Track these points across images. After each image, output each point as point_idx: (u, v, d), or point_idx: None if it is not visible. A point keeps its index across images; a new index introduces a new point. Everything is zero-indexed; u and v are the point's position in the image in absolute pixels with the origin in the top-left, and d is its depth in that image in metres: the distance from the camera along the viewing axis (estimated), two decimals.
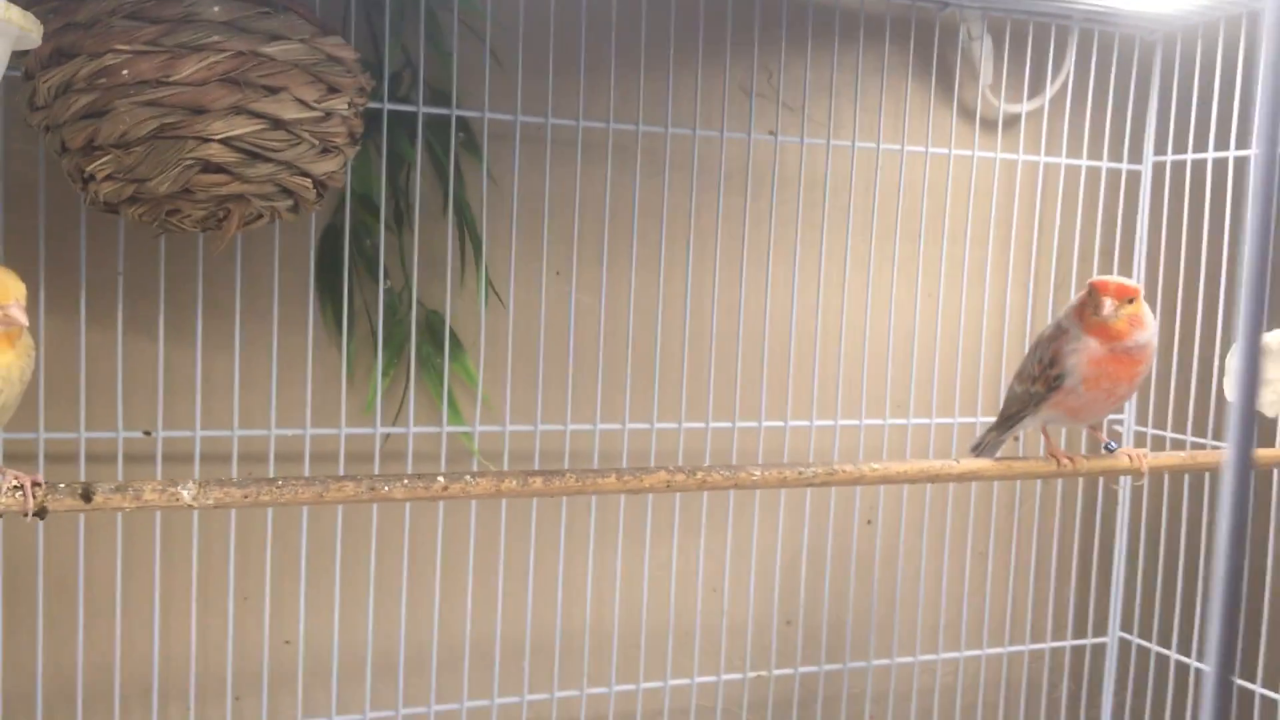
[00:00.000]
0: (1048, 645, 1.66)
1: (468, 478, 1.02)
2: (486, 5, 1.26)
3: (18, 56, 0.90)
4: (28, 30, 0.81)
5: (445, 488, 1.01)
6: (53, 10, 0.96)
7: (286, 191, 1.04)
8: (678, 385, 1.40)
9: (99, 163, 0.97)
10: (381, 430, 1.26)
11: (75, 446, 1.17)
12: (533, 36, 1.28)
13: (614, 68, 1.31)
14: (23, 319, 0.86)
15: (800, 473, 1.16)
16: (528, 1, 1.28)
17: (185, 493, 0.94)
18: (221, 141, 0.97)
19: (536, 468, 1.31)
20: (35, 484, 0.91)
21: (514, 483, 1.04)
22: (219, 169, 0.99)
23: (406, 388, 1.30)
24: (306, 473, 1.23)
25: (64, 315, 1.16)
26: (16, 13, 0.78)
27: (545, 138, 1.30)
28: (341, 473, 1.25)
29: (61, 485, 0.91)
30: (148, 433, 1.20)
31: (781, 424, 1.44)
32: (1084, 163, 1.55)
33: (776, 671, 1.51)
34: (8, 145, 1.12)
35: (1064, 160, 1.55)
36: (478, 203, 1.30)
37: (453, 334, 1.30)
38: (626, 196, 1.35)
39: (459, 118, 1.27)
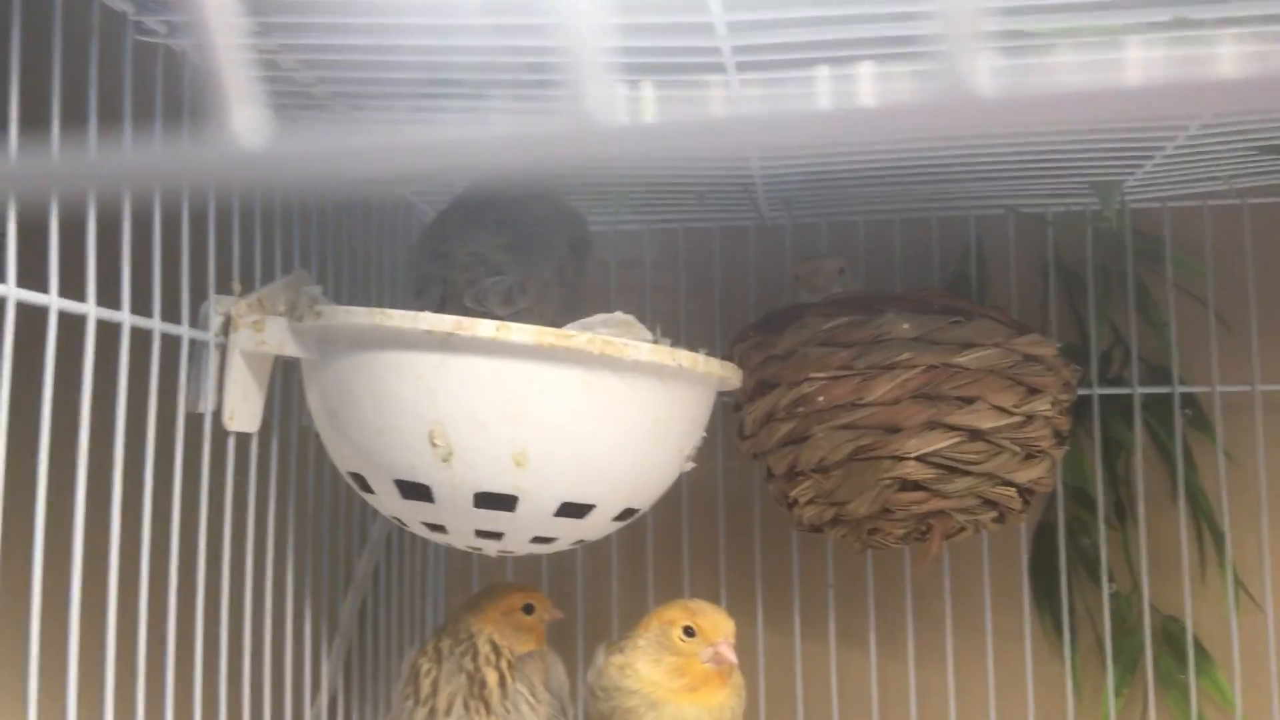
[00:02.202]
0: None
1: None
2: (1209, 265, 1.11)
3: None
4: (726, 378, 0.84)
5: None
6: (755, 345, 1.00)
7: (989, 503, 0.97)
8: None
9: (800, 488, 0.98)
10: None
11: None
12: (1268, 295, 1.11)
13: None
14: (732, 657, 0.86)
15: None
16: (1259, 262, 1.11)
17: None
18: (917, 459, 0.93)
19: None
20: None
21: None
22: (916, 486, 0.94)
23: (1145, 708, 1.12)
24: None
25: (780, 632, 1.17)
26: (715, 364, 0.82)
27: None
28: None
29: None
30: None
31: None
32: None
33: None
34: (727, 464, 1.17)
35: None
36: (1214, 488, 1.12)
37: (1197, 643, 1.11)
38: None
39: (1183, 394, 1.12)
